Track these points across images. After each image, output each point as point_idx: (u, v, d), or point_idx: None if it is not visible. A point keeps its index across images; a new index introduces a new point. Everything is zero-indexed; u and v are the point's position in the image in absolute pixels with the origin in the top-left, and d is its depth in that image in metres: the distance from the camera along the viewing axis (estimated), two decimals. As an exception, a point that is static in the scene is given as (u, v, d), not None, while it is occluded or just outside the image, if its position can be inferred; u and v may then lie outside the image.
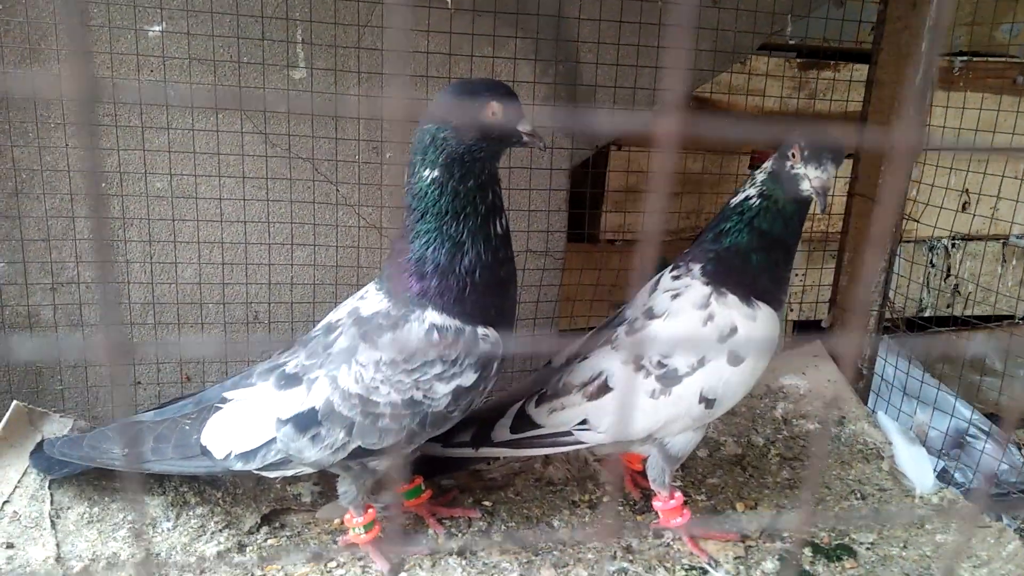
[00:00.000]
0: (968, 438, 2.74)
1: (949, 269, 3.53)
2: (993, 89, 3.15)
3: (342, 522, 1.87)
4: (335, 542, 1.86)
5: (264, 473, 1.75)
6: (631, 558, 1.87)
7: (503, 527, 1.96)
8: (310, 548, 1.85)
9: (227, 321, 2.18)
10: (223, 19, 2.01)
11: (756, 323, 1.80)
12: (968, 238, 3.41)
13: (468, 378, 1.62)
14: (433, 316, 1.60)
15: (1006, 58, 3.21)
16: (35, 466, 1.89)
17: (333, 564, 1.80)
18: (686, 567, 1.85)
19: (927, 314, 3.39)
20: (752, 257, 1.81)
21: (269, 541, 1.88)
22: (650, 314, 1.87)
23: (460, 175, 1.55)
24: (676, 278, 1.90)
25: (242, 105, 2.03)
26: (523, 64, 2.21)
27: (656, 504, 1.93)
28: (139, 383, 2.19)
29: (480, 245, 1.59)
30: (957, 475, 2.65)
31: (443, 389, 1.61)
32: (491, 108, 1.54)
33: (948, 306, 3.46)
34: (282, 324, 2.22)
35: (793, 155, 1.73)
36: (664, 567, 1.85)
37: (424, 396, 1.61)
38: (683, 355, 1.80)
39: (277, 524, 1.94)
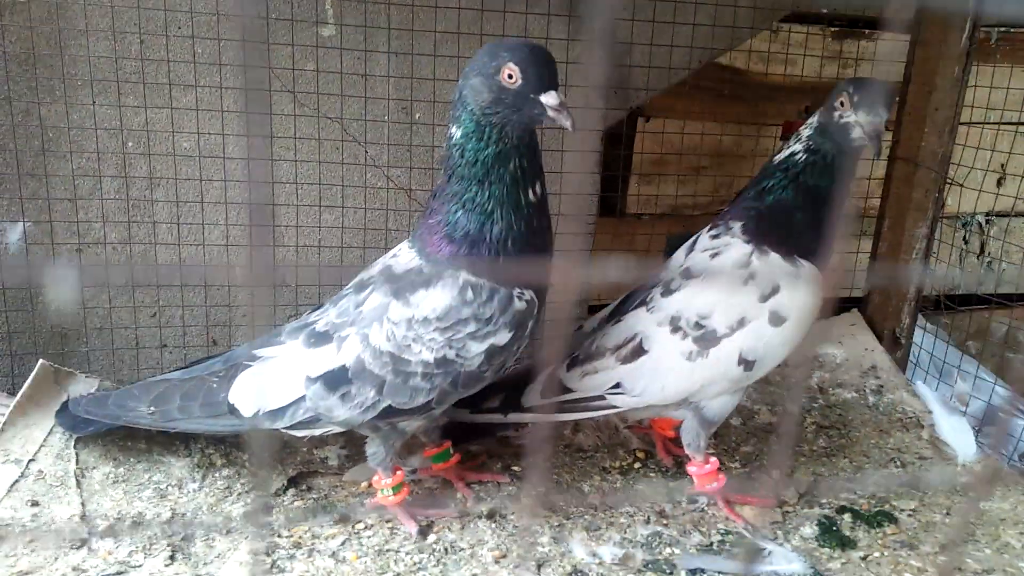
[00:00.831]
0: (1004, 416, 2.66)
1: (983, 246, 3.44)
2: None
3: (370, 484, 1.84)
4: (363, 504, 1.83)
5: (292, 432, 1.72)
6: (665, 522, 1.83)
7: (533, 491, 1.92)
8: (337, 510, 1.82)
9: (254, 284, 2.16)
10: (250, -26, 1.98)
11: (799, 282, 1.74)
12: (1004, 215, 3.32)
13: (502, 337, 1.57)
14: (466, 275, 1.56)
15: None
16: (61, 424, 1.88)
17: (361, 526, 1.78)
18: (722, 531, 1.80)
19: (960, 292, 3.30)
20: (797, 215, 1.75)
21: (296, 503, 1.85)
22: (687, 274, 1.82)
23: (478, 139, 1.49)
24: (715, 237, 1.84)
25: (271, 63, 2.00)
26: (556, 20, 2.16)
27: (691, 469, 1.89)
28: (165, 346, 2.17)
29: (511, 215, 1.53)
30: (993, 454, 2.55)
31: (477, 348, 1.57)
32: (507, 71, 1.43)
33: (980, 283, 3.37)
34: (310, 288, 2.19)
35: (842, 103, 1.67)
36: (699, 531, 1.80)
37: (457, 355, 1.57)
38: (722, 315, 1.75)
39: (304, 486, 1.91)
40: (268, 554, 1.66)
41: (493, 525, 1.79)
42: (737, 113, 2.92)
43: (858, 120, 1.65)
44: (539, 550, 1.71)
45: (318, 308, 1.78)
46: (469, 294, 1.55)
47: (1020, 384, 2.79)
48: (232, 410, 1.69)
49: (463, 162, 1.51)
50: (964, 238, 3.42)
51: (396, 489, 1.76)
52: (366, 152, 2.14)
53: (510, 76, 1.43)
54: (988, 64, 2.83)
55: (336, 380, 1.61)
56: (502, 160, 1.50)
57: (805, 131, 1.76)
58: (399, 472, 1.77)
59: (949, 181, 2.50)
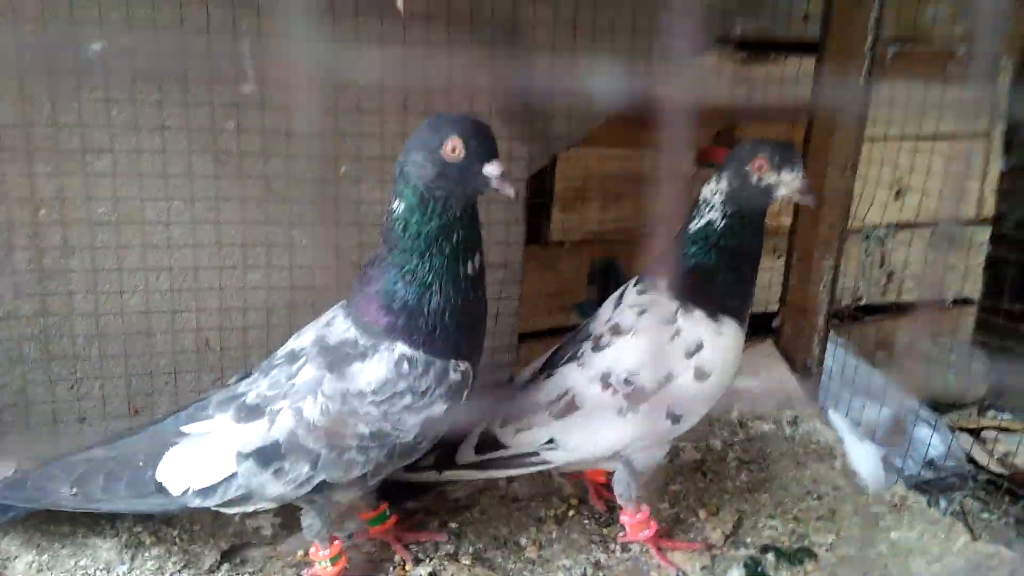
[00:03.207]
0: (908, 425, 2.82)
1: (883, 257, 3.62)
2: (926, 77, 3.21)
3: (306, 554, 1.83)
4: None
5: (224, 510, 1.70)
6: (601, 574, 1.88)
7: (471, 548, 1.95)
8: (274, 582, 1.80)
9: (176, 351, 2.09)
10: (167, 34, 1.92)
11: (721, 338, 1.82)
12: (901, 226, 3.48)
13: (438, 408, 1.59)
14: (403, 348, 1.57)
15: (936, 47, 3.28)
16: (-24, 513, 1.79)
17: (300, 598, 1.76)
18: (656, 581, 1.87)
19: (863, 303, 3.46)
20: (718, 275, 1.82)
21: (231, 578, 1.82)
22: (616, 330, 1.87)
23: (421, 214, 1.52)
24: (641, 293, 1.90)
25: (189, 123, 1.95)
26: (479, 72, 2.18)
27: (623, 518, 1.95)
28: (84, 419, 2.09)
29: (449, 287, 1.55)
30: (898, 462, 2.71)
31: (412, 420, 1.58)
32: (450, 144, 1.47)
33: (883, 294, 3.54)
34: (234, 350, 2.14)
35: (760, 167, 1.74)
36: (634, 582, 1.86)
37: (393, 427, 1.58)
38: (650, 372, 1.81)
39: (238, 560, 1.88)
40: (206, 638, 1.63)
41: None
42: (655, 139, 2.98)
43: (782, 180, 1.74)
44: (480, 613, 1.74)
45: (245, 376, 1.75)
46: (405, 367, 1.56)
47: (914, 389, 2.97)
48: (160, 489, 1.65)
49: (406, 236, 1.53)
50: (866, 250, 3.58)
51: (334, 560, 1.75)
52: (291, 210, 2.10)
53: (453, 150, 1.47)
54: (884, 80, 2.96)
55: (269, 456, 1.60)
56: (445, 232, 1.53)
57: (716, 198, 1.80)
58: (336, 542, 1.77)
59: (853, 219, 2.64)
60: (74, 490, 1.68)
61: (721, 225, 1.80)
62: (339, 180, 2.14)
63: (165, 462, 1.66)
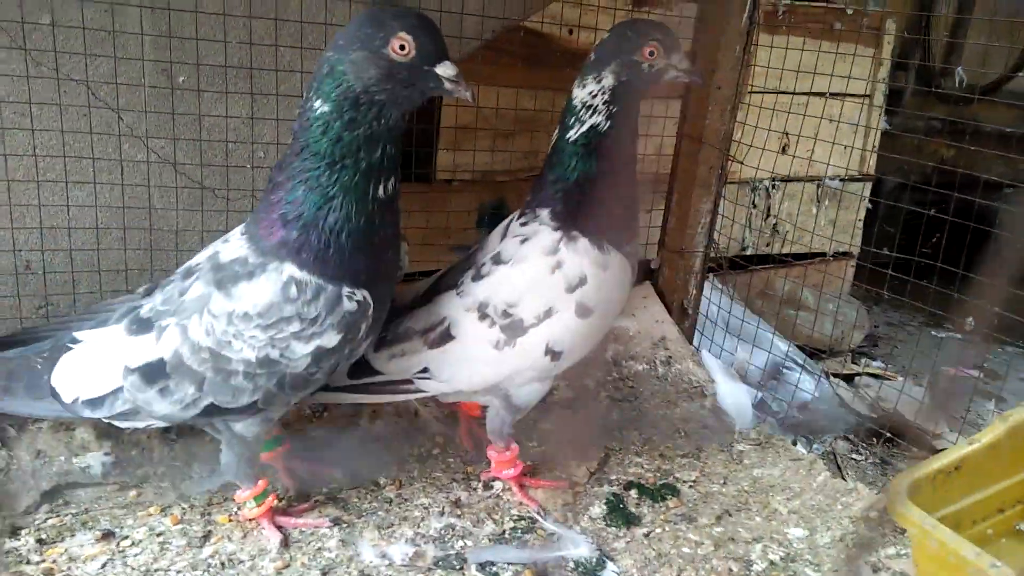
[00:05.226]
0: (784, 370, 2.86)
1: (769, 209, 3.65)
2: (813, 34, 3.22)
3: (138, 495, 1.67)
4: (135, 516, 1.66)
5: (116, 423, 1.59)
6: (459, 512, 1.80)
7: (323, 488, 1.83)
8: (100, 526, 1.64)
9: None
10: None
11: (607, 274, 1.72)
12: (787, 179, 3.51)
13: (330, 339, 1.48)
14: (292, 270, 1.44)
15: (826, 3, 3.30)
16: None
17: (127, 543, 1.62)
18: (515, 518, 1.80)
19: (748, 253, 3.49)
20: (603, 186, 1.72)
21: (50, 521, 1.65)
22: (498, 259, 1.76)
23: (349, 119, 1.39)
24: (524, 224, 1.78)
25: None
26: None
27: (491, 453, 1.87)
28: None
29: (352, 205, 1.43)
30: (773, 405, 2.74)
31: (302, 349, 1.47)
32: (397, 42, 1.35)
33: (767, 244, 3.57)
34: (60, 274, 1.92)
35: (652, 53, 1.67)
36: (493, 520, 1.79)
37: (281, 355, 1.47)
38: (530, 305, 1.71)
39: (60, 501, 1.72)
40: (11, 587, 1.47)
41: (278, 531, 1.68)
42: (545, 79, 2.88)
43: (672, 64, 1.69)
44: (326, 556, 1.62)
45: (153, 287, 1.62)
46: (292, 291, 1.44)
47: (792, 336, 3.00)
48: (54, 394, 1.55)
49: (324, 139, 1.40)
50: (752, 202, 3.60)
51: (259, 500, 1.66)
52: (120, 120, 1.88)
53: (402, 47, 1.36)
54: (774, 34, 2.94)
55: (154, 373, 1.49)
56: (370, 143, 1.41)
57: (598, 99, 1.69)
58: (260, 481, 1.66)
59: (731, 159, 2.61)
60: None
61: (606, 127, 1.69)
62: (177, 90, 1.92)
63: (60, 368, 1.55)
